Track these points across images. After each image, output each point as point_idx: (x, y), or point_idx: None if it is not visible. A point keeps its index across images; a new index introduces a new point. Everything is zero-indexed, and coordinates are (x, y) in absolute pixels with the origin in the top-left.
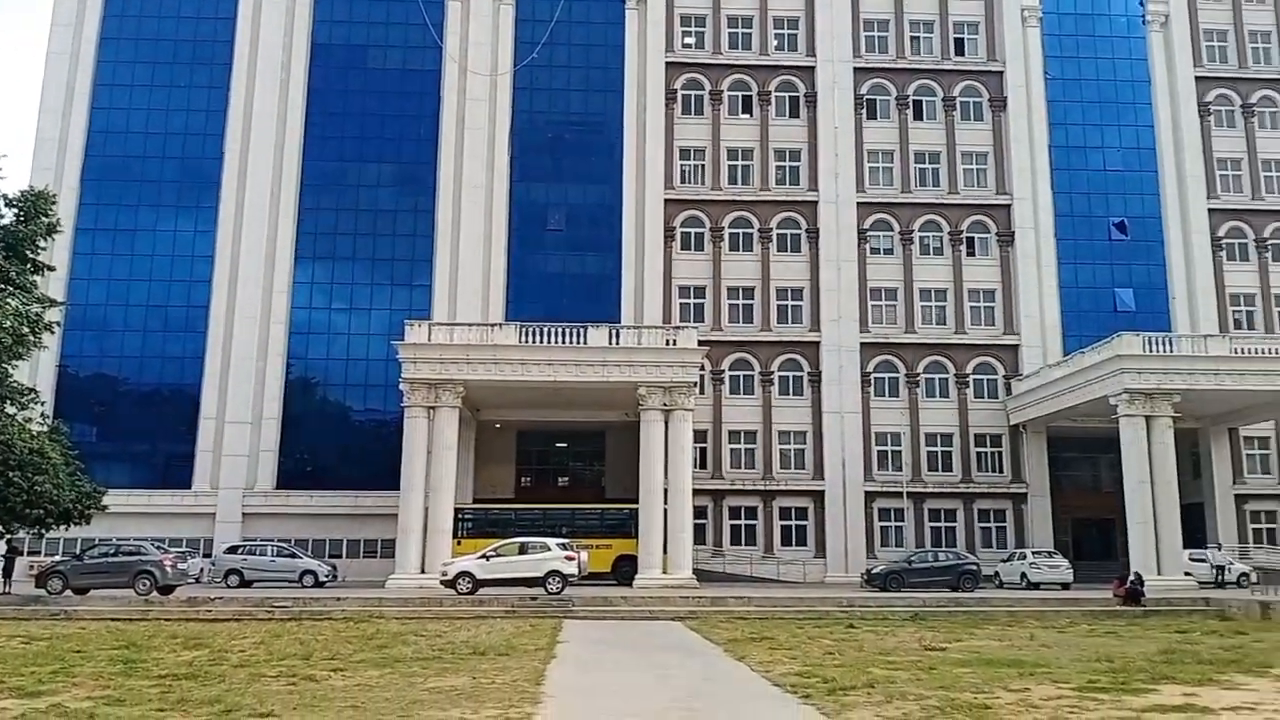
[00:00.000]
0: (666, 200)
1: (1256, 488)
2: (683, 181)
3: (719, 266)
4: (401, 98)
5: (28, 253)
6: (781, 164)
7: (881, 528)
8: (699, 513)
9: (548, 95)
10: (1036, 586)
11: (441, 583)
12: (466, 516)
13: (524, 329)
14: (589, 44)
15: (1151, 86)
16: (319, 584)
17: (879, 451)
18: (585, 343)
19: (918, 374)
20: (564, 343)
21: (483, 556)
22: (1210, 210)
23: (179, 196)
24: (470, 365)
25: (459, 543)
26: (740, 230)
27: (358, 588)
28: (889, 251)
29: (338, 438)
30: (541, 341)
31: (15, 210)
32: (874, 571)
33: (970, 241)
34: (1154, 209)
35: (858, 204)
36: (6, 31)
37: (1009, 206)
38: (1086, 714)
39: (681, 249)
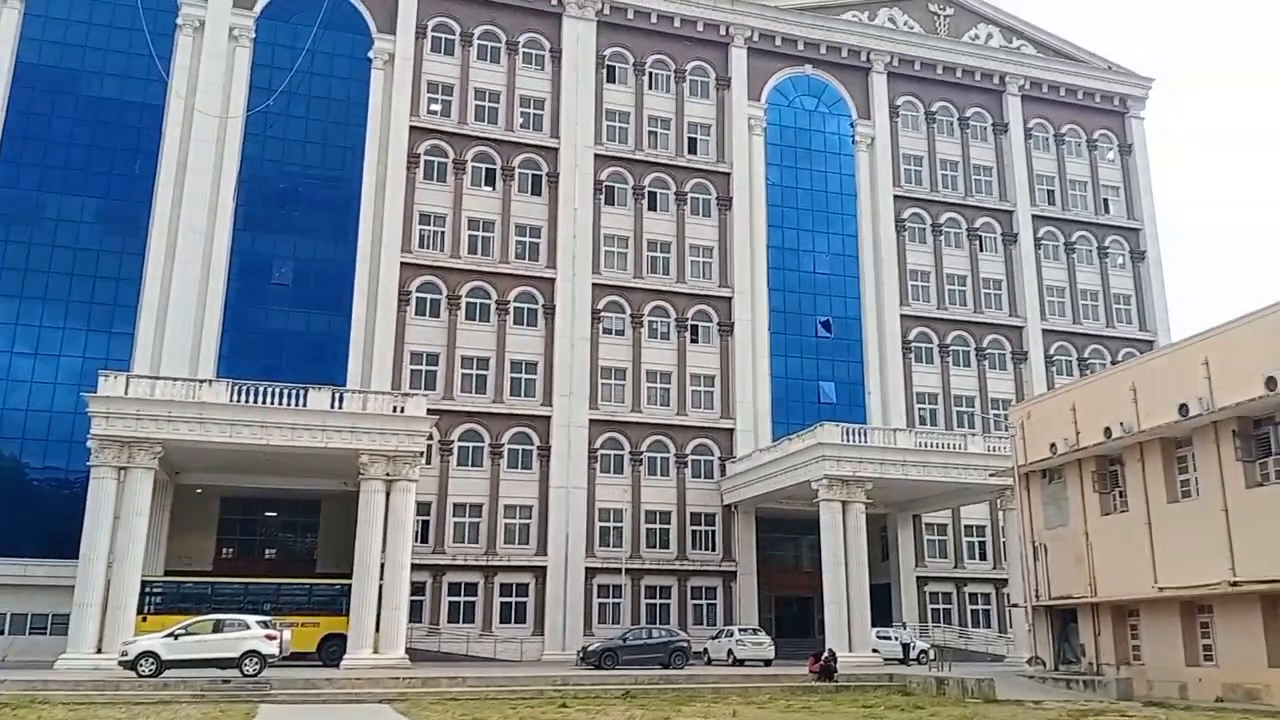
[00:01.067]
0: (403, 264)
1: (935, 570)
2: (421, 246)
3: (454, 335)
4: (117, 130)
5: None
6: (522, 239)
7: (600, 604)
8: (417, 589)
9: (282, 145)
10: (742, 663)
11: (120, 664)
12: (155, 590)
13: (236, 387)
14: (330, 97)
15: (857, 200)
16: None
17: (602, 527)
18: (305, 405)
19: (641, 452)
20: (281, 404)
21: (170, 634)
22: (903, 316)
23: None
24: (172, 424)
25: (144, 619)
26: (478, 300)
27: (21, 668)
28: (620, 332)
29: (9, 498)
30: (256, 401)
31: None
32: (590, 649)
33: (695, 329)
34: (855, 311)
35: (593, 284)
36: None
37: (730, 299)
38: None
39: (416, 314)
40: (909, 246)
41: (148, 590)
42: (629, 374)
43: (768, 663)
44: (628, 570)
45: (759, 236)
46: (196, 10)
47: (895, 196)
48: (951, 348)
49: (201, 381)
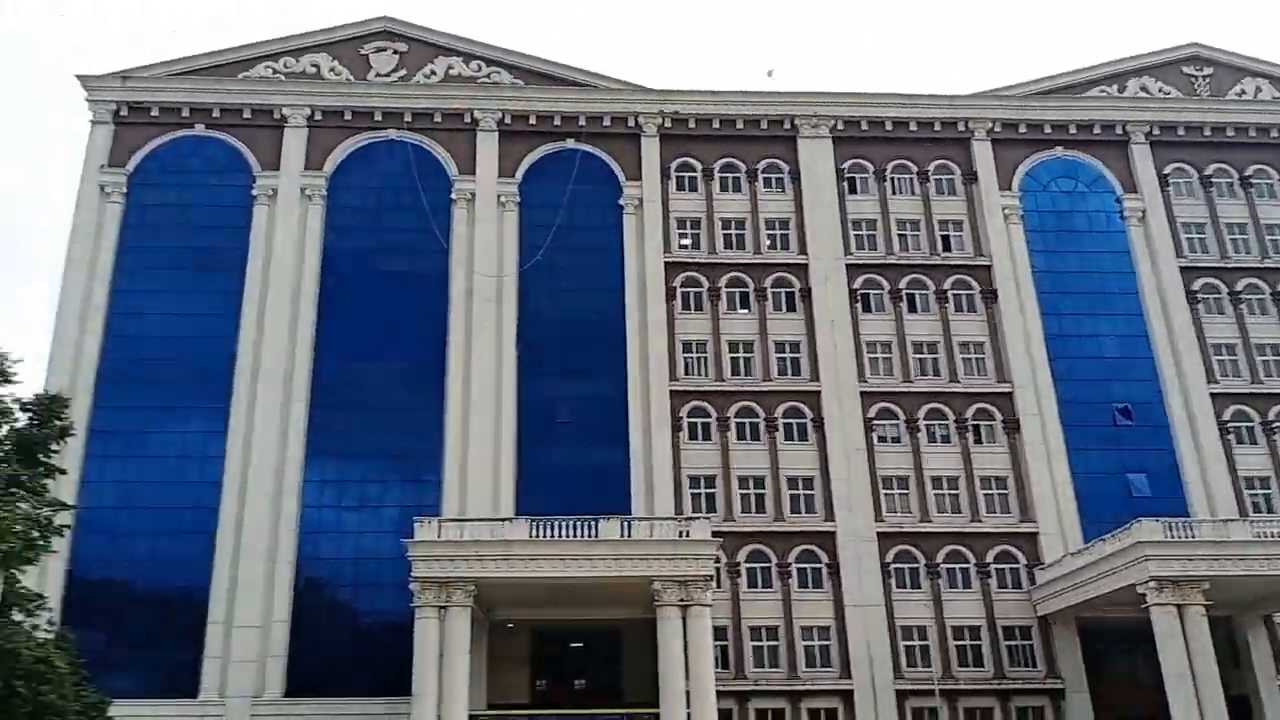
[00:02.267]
0: (672, 391)
1: None
2: (686, 373)
3: (728, 456)
4: (410, 299)
5: (40, 456)
6: (782, 355)
7: None
8: (723, 715)
9: (552, 294)
10: None
11: None
12: None
13: (534, 523)
14: (589, 246)
15: (1137, 277)
16: None
17: (906, 646)
18: (597, 535)
19: (938, 564)
20: (575, 536)
21: None
22: (1212, 395)
23: (192, 398)
24: (481, 562)
25: None
26: (746, 420)
27: None
28: (896, 440)
29: (347, 640)
30: (552, 535)
31: (29, 414)
32: None
33: (976, 429)
34: (1155, 394)
35: (861, 393)
36: (14, 237)
37: (1010, 394)
38: None
39: (689, 439)
40: (1205, 319)
41: None
42: (911, 482)
43: None
44: (941, 692)
45: (1033, 326)
46: (467, 184)
47: (1181, 268)
48: (1276, 424)
49: (503, 520)
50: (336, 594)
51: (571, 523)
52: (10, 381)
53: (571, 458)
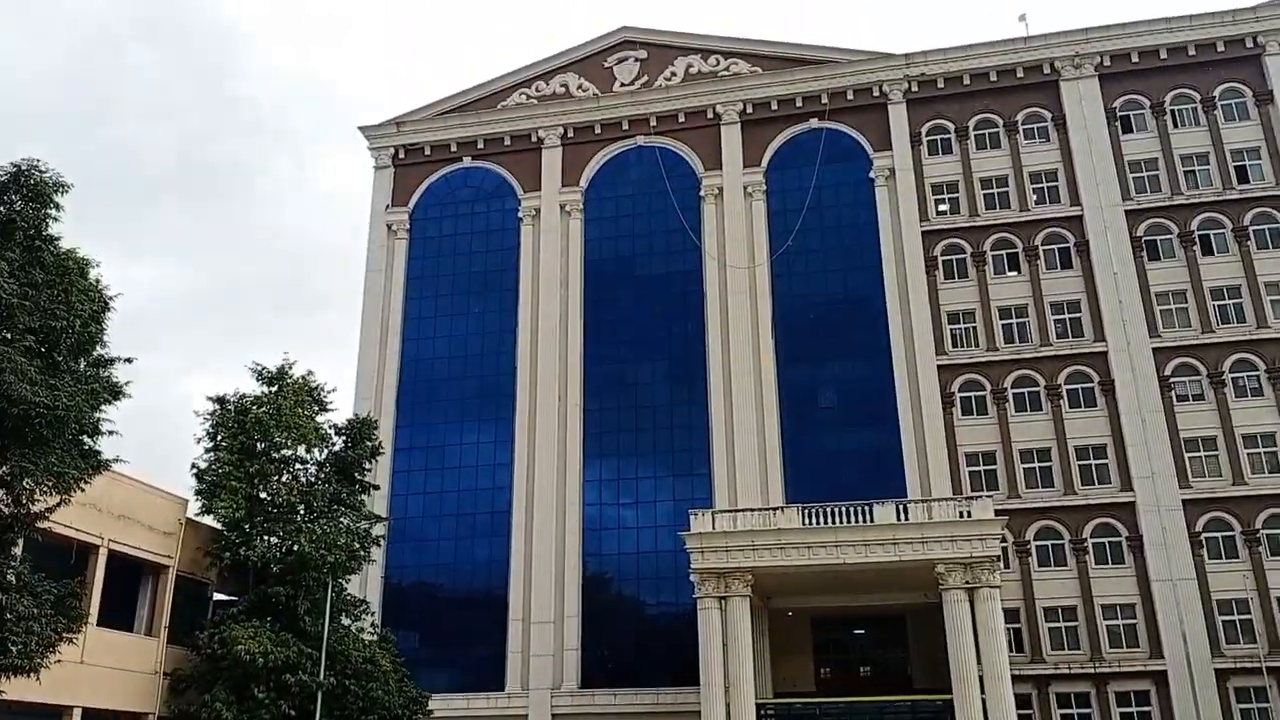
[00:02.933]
0: (940, 366)
1: None
2: (954, 346)
3: (1007, 430)
4: (668, 298)
5: (356, 474)
6: (1060, 317)
7: (1241, 710)
8: (1021, 701)
9: (805, 278)
10: None
11: None
12: (769, 713)
13: (806, 510)
14: (840, 225)
15: None
16: None
17: (1224, 621)
18: (871, 520)
19: (1257, 531)
20: (848, 522)
21: None
22: None
23: (480, 411)
24: (756, 551)
25: None
26: (1024, 390)
27: None
28: (1199, 397)
29: (635, 633)
30: (825, 522)
31: (344, 437)
32: None
33: None
34: None
35: (1154, 349)
36: (316, 281)
37: None
38: None
39: (963, 415)
40: None
41: (762, 713)
42: (1219, 442)
43: None
44: (1269, 669)
45: None
46: (714, 179)
47: None
48: None
49: (774, 509)
50: (621, 588)
51: (845, 508)
52: (327, 410)
53: (839, 443)
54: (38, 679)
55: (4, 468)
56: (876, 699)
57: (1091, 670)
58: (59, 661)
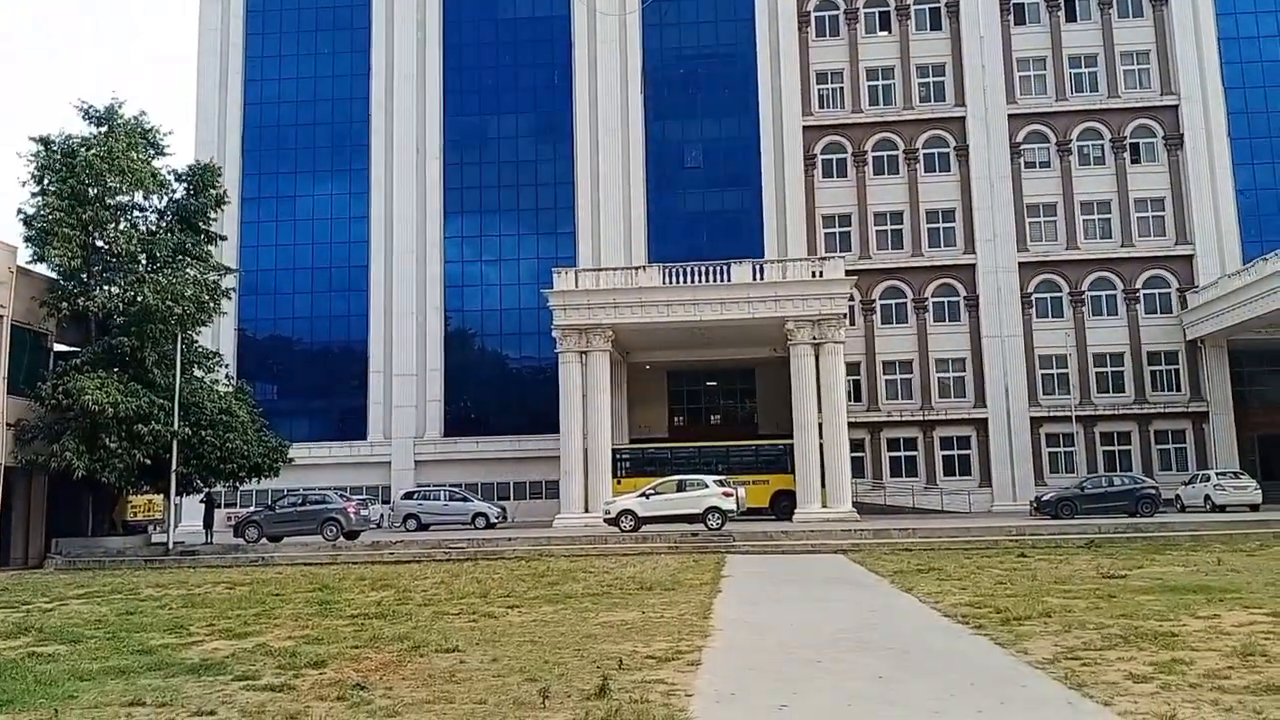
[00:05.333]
0: (805, 127)
1: None
2: (821, 106)
3: (864, 192)
4: (534, 46)
5: (200, 224)
6: (925, 80)
7: (1050, 454)
8: (856, 445)
9: (677, 30)
10: (1222, 509)
11: (605, 521)
12: (624, 456)
13: (667, 270)
14: None
15: None
16: (490, 525)
17: (1044, 375)
18: (729, 280)
19: (1082, 292)
20: (708, 281)
21: (643, 495)
22: None
23: (332, 161)
24: (617, 309)
25: (618, 482)
26: (884, 153)
27: (527, 528)
28: (1045, 164)
29: (497, 385)
30: (685, 281)
31: (185, 184)
32: (1044, 499)
33: (1135, 148)
34: None
35: (1009, 116)
36: (156, 9)
37: (1175, 107)
38: None
39: (824, 176)
40: None
41: (618, 457)
42: (1059, 209)
43: (1254, 508)
44: (1078, 418)
45: (1206, 29)
46: None
47: None
48: None
49: (637, 269)
50: (484, 343)
51: (704, 268)
52: (164, 154)
53: (703, 202)
54: None
55: None
56: (724, 444)
57: (921, 418)
58: None
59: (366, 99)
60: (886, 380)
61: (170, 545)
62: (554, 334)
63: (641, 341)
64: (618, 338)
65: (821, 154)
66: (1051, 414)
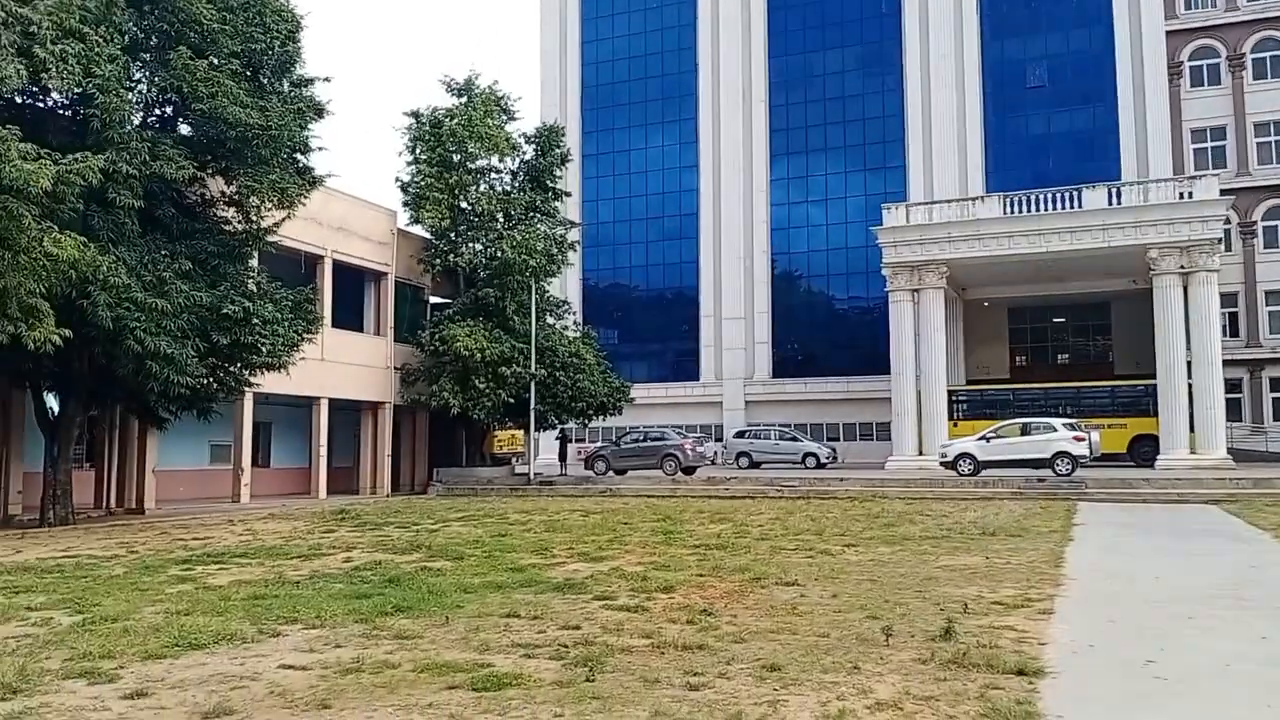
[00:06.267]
0: (1169, 32)
1: None
2: (1188, 8)
3: (1241, 100)
4: None
5: (547, 182)
6: None
7: None
8: (1232, 386)
9: None
10: None
11: (941, 464)
12: (961, 399)
13: (1007, 199)
14: None
15: None
16: (820, 465)
17: None
18: (1080, 206)
19: None
20: (1054, 208)
21: (982, 438)
22: None
23: (663, 113)
24: (952, 243)
25: (955, 425)
26: (1267, 54)
27: (857, 469)
28: None
29: (824, 326)
30: (1028, 210)
31: (533, 146)
32: None
33: None
34: None
35: None
36: None
37: None
38: None
39: (1191, 86)
40: None
41: (954, 399)
42: None
43: None
44: None
45: None
46: None
47: None
48: None
49: (974, 199)
50: (811, 284)
51: (1050, 194)
52: (514, 119)
53: (1048, 124)
54: (288, 374)
55: (232, 188)
56: (1074, 384)
57: None
58: (303, 359)
59: (694, 48)
60: (1269, 312)
61: (531, 476)
62: (883, 272)
63: (979, 277)
64: (952, 274)
65: (1189, 60)
66: None
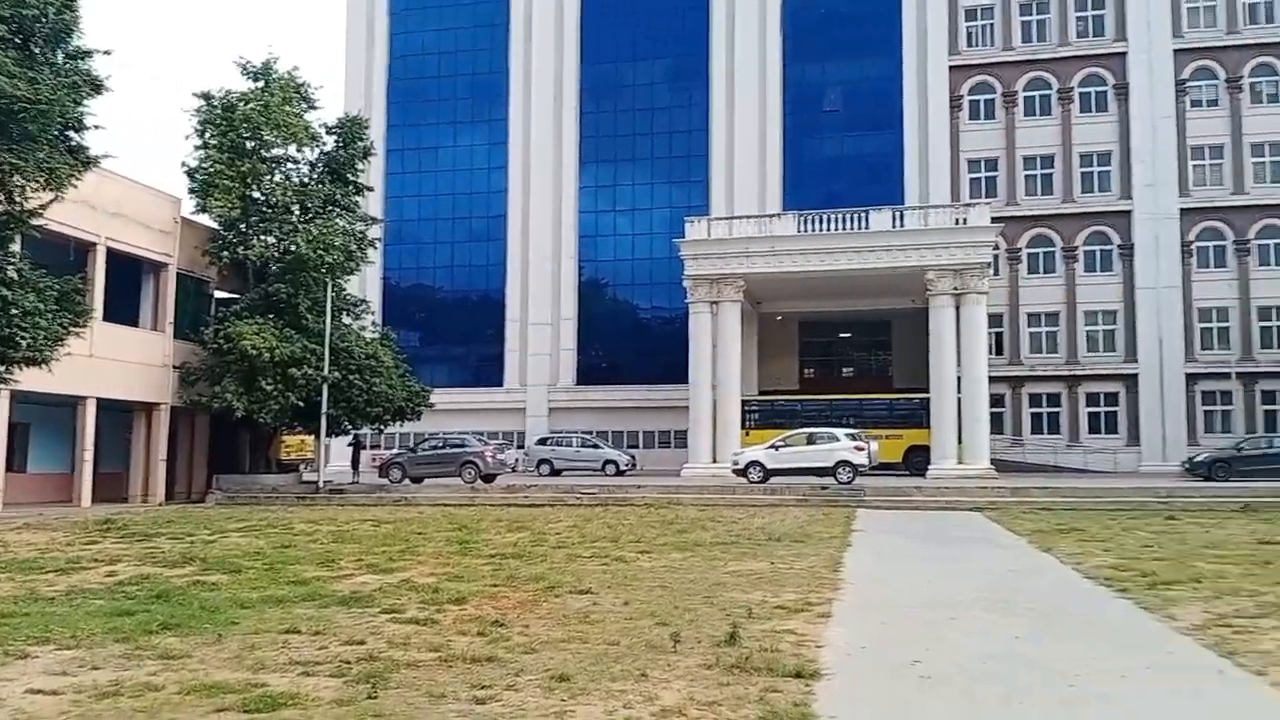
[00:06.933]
0: (951, 67)
1: None
2: (969, 45)
3: (1013, 135)
4: None
5: (348, 176)
6: (1082, 14)
7: (1205, 412)
8: (996, 401)
9: None
10: None
11: (733, 471)
12: (753, 408)
13: (802, 217)
14: None
15: None
16: (620, 472)
17: (1202, 329)
18: (867, 227)
19: (1249, 240)
20: (844, 229)
21: (771, 446)
22: None
23: (472, 111)
24: (750, 259)
25: (746, 434)
26: (1036, 93)
27: (655, 476)
28: (1213, 103)
29: (628, 335)
30: (821, 229)
31: (335, 136)
32: (1197, 460)
33: None
34: None
35: (1174, 51)
36: None
37: None
38: None
39: (969, 119)
40: None
41: (747, 408)
42: (1227, 151)
43: None
44: (1238, 374)
45: None
46: None
47: None
48: None
49: (771, 216)
50: (616, 293)
51: (840, 215)
52: (315, 108)
53: (841, 148)
54: (50, 370)
55: None
56: (856, 396)
57: (1066, 373)
58: (69, 355)
59: (506, 49)
60: (1031, 333)
61: (320, 484)
62: (685, 284)
63: (773, 291)
64: (749, 288)
65: (969, 95)
66: (1208, 370)
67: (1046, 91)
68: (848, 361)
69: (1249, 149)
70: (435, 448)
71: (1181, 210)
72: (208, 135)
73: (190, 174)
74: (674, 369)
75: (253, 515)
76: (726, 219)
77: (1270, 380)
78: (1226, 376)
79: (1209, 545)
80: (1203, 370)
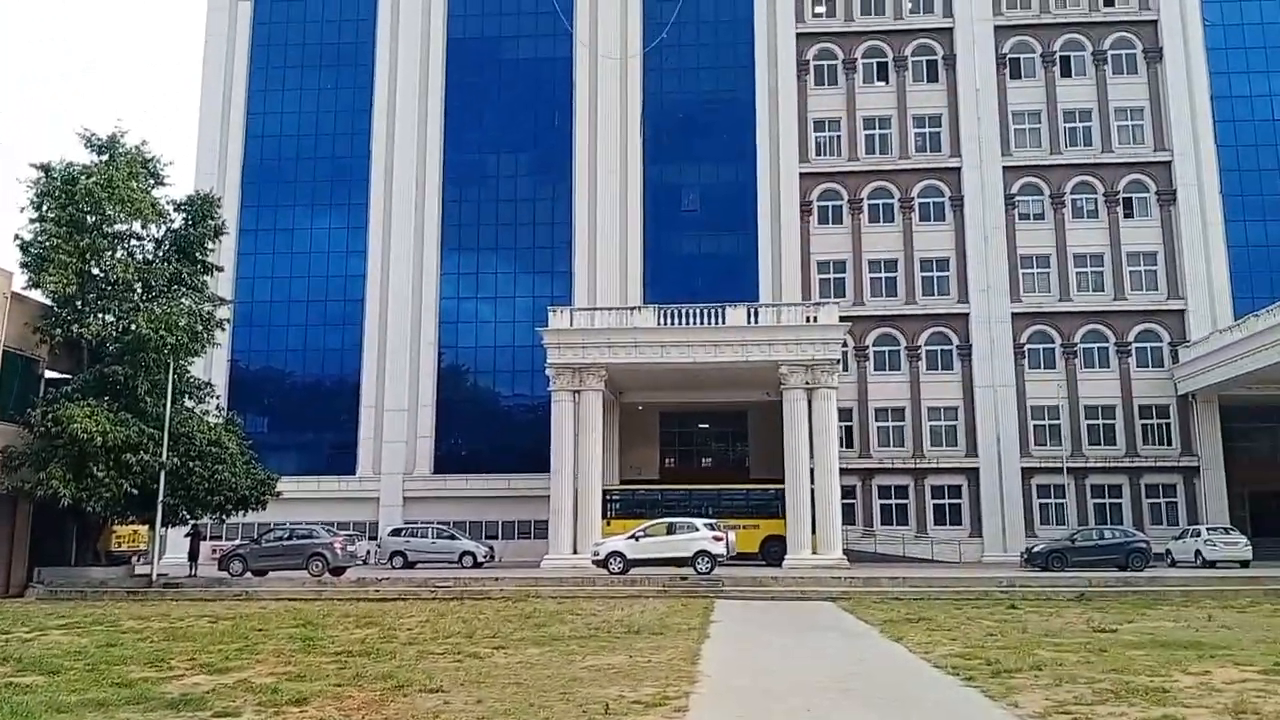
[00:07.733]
0: (802, 174)
1: None
2: (818, 154)
3: (859, 239)
4: (536, 86)
5: (197, 254)
6: (921, 130)
7: (1041, 505)
8: (847, 492)
9: (678, 75)
10: (1213, 565)
11: (594, 562)
12: (615, 498)
13: (662, 311)
14: (718, 20)
15: None
16: (477, 564)
17: (1035, 426)
18: (724, 323)
19: (1075, 344)
20: (702, 323)
21: (632, 537)
22: None
23: (331, 195)
24: (611, 349)
25: (608, 523)
26: (880, 201)
27: (514, 567)
28: (1039, 216)
29: (488, 423)
30: (680, 323)
31: (183, 214)
32: (1035, 550)
33: (1128, 202)
34: None
35: (1004, 168)
36: (162, 41)
37: (1169, 163)
38: (1275, 699)
39: (819, 223)
40: None
41: (608, 498)
42: (1053, 261)
43: (1244, 564)
44: (1069, 469)
45: (1200, 87)
46: None
47: None
48: None
49: (632, 309)
50: (477, 380)
51: (699, 310)
52: (164, 184)
53: (699, 246)
54: None
55: None
56: (715, 487)
57: (913, 465)
58: None
59: (368, 135)
60: (878, 427)
61: (154, 577)
62: (547, 372)
63: (634, 382)
64: (611, 378)
65: (818, 200)
66: (1043, 465)
67: (890, 200)
68: (706, 452)
69: (1072, 259)
70: (281, 539)
71: (1013, 314)
72: (45, 208)
73: (23, 247)
74: (535, 458)
75: (77, 611)
76: (589, 309)
77: (1098, 475)
78: (1059, 471)
79: (1048, 634)
80: (1038, 465)
